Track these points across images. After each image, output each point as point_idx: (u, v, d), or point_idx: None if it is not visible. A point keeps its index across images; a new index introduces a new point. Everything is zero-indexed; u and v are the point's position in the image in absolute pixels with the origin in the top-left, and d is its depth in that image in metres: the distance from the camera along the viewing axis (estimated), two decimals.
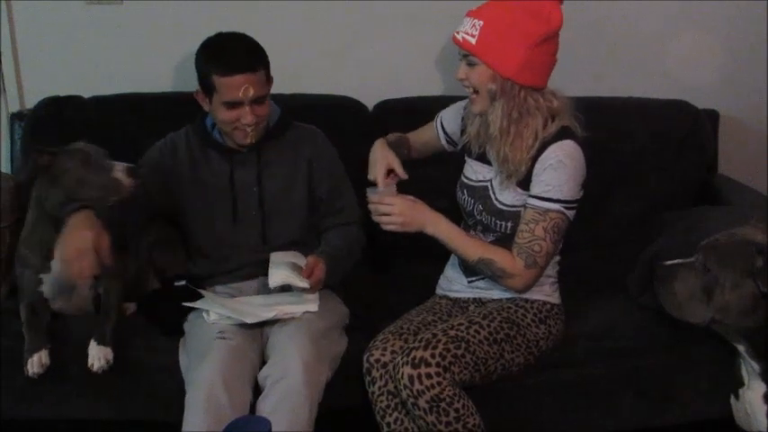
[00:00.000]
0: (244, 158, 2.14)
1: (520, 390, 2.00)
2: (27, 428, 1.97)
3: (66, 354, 1.97)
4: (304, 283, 1.99)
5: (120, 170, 1.94)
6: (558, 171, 1.91)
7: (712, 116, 2.65)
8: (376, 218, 1.97)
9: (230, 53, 2.02)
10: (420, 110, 2.53)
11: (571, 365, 2.04)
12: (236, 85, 1.99)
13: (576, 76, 2.69)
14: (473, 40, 1.89)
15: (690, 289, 1.70)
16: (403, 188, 2.02)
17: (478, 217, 2.07)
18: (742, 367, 1.77)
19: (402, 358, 1.84)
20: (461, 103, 2.19)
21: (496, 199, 2.02)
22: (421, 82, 2.64)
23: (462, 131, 2.13)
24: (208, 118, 2.16)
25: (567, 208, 1.93)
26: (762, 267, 1.63)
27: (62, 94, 2.49)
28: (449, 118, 2.21)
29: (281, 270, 2.01)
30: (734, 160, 2.74)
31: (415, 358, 1.81)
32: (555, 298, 2.10)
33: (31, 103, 2.54)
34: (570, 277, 2.35)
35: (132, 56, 2.56)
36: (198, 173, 2.16)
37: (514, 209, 1.99)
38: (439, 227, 1.97)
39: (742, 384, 1.78)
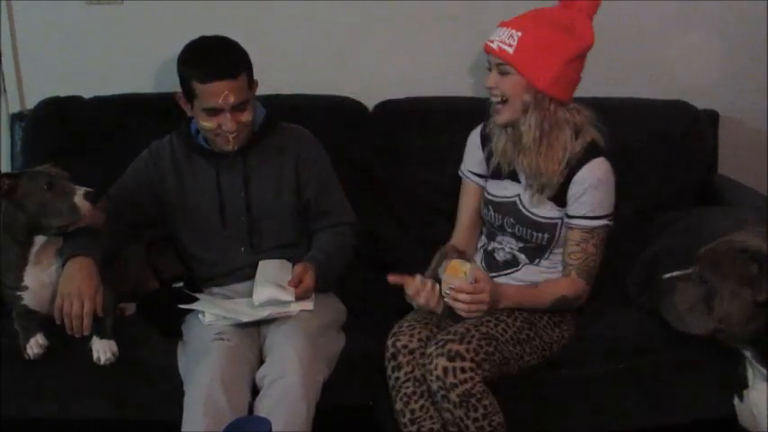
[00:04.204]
0: (229, 163, 2.12)
1: (519, 390, 1.99)
2: (27, 428, 1.97)
3: (66, 354, 1.98)
4: (290, 297, 1.99)
5: (80, 194, 1.89)
6: (599, 190, 1.98)
7: (712, 116, 2.64)
8: (464, 313, 1.88)
9: (210, 59, 2.00)
10: (420, 111, 2.55)
11: (571, 365, 2.04)
12: (216, 93, 1.96)
13: None
14: (510, 50, 1.93)
15: (689, 301, 1.70)
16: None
17: (510, 230, 2.09)
18: (748, 369, 1.77)
19: (436, 349, 1.83)
20: (472, 136, 2.18)
21: (529, 212, 2.04)
22: (421, 83, 2.63)
23: (488, 157, 2.12)
24: (193, 123, 2.13)
25: (610, 219, 2.02)
26: (757, 275, 1.62)
27: (62, 94, 2.48)
28: (471, 162, 2.19)
29: (265, 287, 2.00)
30: (734, 160, 2.73)
31: (450, 351, 1.81)
32: None
33: (31, 103, 2.54)
34: None
35: (132, 56, 2.56)
36: (184, 179, 2.14)
37: (552, 221, 2.03)
38: (509, 299, 1.97)
39: (746, 386, 1.77)
